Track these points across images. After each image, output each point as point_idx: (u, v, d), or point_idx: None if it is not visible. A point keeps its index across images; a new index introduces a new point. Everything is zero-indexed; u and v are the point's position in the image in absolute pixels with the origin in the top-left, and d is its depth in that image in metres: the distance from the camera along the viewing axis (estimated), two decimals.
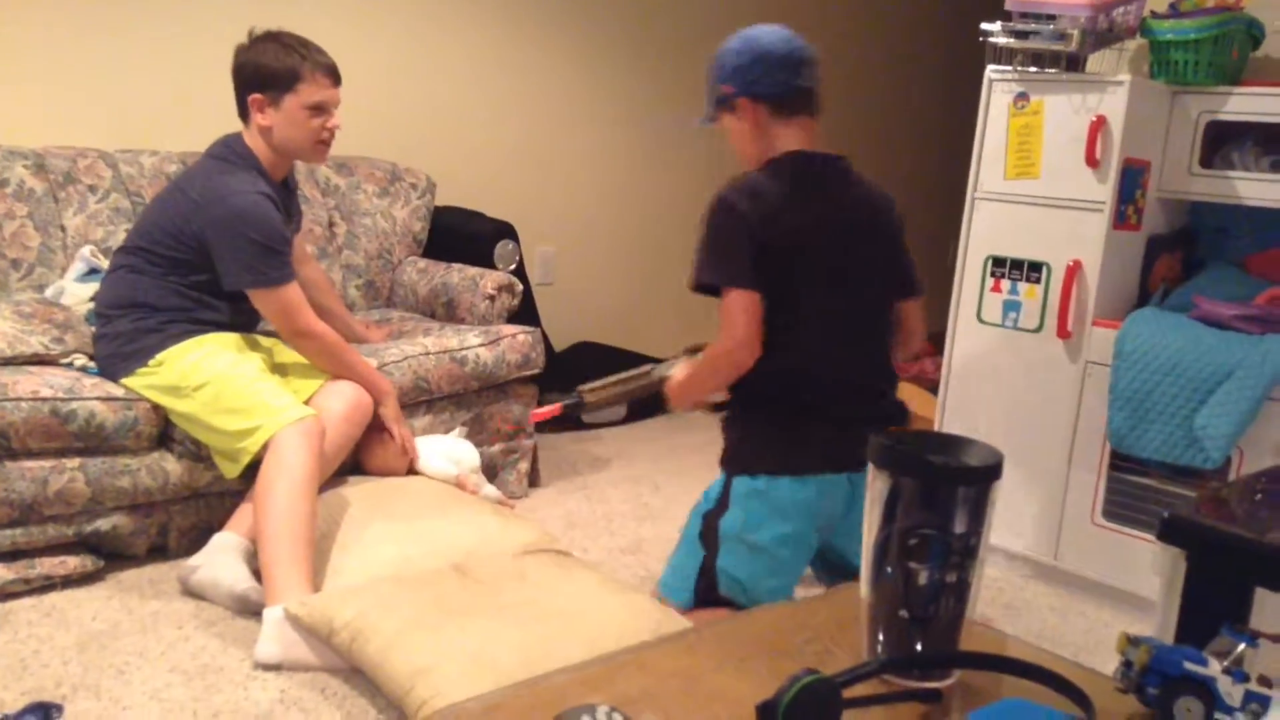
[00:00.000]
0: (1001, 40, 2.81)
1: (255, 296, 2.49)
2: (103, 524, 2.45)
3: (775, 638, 1.18)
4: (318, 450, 2.35)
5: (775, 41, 2.15)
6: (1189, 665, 0.99)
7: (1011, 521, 2.89)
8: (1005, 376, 2.90)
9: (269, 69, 2.48)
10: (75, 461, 2.39)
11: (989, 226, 2.89)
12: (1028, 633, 2.56)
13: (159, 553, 2.58)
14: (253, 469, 2.38)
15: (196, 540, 2.51)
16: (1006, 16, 2.80)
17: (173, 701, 1.98)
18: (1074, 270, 2.74)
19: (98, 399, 2.42)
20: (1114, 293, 2.80)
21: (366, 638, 1.98)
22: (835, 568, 2.25)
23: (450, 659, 1.89)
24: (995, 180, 2.89)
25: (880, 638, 1.10)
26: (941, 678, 1.08)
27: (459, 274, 3.37)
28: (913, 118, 5.77)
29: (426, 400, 2.95)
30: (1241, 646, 1.03)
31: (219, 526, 2.47)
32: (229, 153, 2.53)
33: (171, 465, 2.52)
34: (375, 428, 2.66)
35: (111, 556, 2.52)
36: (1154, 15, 2.82)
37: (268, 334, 2.67)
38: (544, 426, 3.49)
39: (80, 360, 2.55)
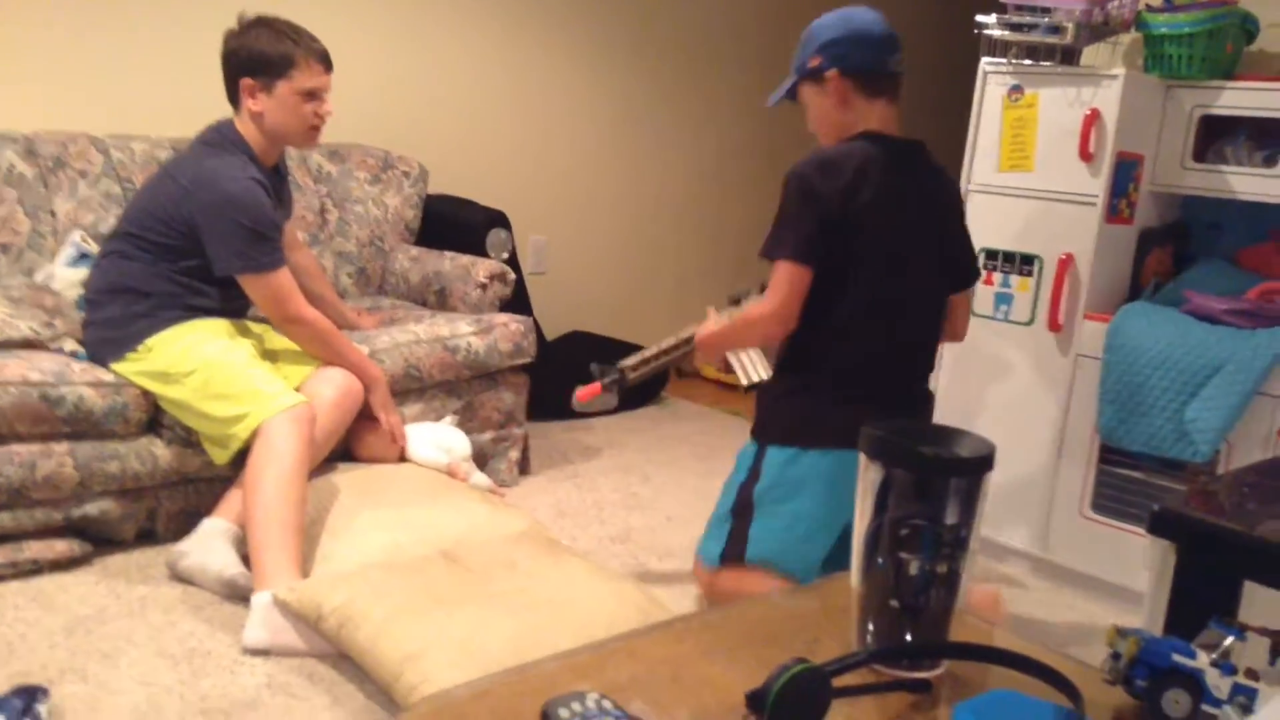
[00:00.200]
0: (996, 33, 2.81)
1: (246, 282, 2.48)
2: (91, 509, 2.44)
3: (765, 627, 1.18)
4: (308, 437, 2.35)
5: (871, 22, 2.19)
6: (1177, 657, 0.99)
7: (1001, 513, 2.90)
8: (996, 369, 2.90)
9: (262, 54, 2.47)
10: (64, 446, 2.38)
11: (982, 219, 2.88)
12: (1016, 624, 2.56)
13: (147, 538, 2.58)
14: (242, 455, 2.38)
15: (185, 525, 2.50)
16: (1001, 9, 2.80)
17: (160, 686, 1.98)
18: (1066, 263, 2.75)
19: (87, 384, 2.41)
20: (1106, 286, 2.81)
21: (355, 624, 1.98)
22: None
23: (439, 646, 1.89)
24: (988, 173, 2.89)
25: (870, 627, 1.10)
26: (930, 668, 1.09)
27: (451, 262, 3.37)
28: (906, 110, 5.75)
29: (418, 388, 2.95)
30: (1230, 639, 1.03)
31: (208, 512, 2.46)
32: (220, 138, 2.52)
33: (160, 450, 2.51)
34: (366, 415, 2.65)
35: (99, 541, 2.51)
36: (1149, 9, 2.82)
37: (258, 320, 2.66)
38: (536, 413, 3.49)
39: (70, 345, 2.54)
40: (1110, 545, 2.73)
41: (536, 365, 3.27)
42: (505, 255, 3.53)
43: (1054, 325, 2.78)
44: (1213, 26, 2.71)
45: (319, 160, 3.47)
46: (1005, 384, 2.89)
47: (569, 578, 2.20)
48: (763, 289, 2.35)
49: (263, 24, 2.50)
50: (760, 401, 2.30)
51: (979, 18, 2.83)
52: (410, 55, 3.84)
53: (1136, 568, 2.61)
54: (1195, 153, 2.79)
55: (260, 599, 2.13)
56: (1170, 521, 1.54)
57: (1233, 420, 2.47)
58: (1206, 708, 0.99)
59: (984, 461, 1.07)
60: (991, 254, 2.87)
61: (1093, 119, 2.68)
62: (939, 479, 1.06)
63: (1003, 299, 2.87)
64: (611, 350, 2.81)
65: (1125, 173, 2.74)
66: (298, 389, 2.49)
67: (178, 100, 3.23)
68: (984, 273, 2.87)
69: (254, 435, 2.34)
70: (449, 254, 3.41)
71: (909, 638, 1.09)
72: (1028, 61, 2.80)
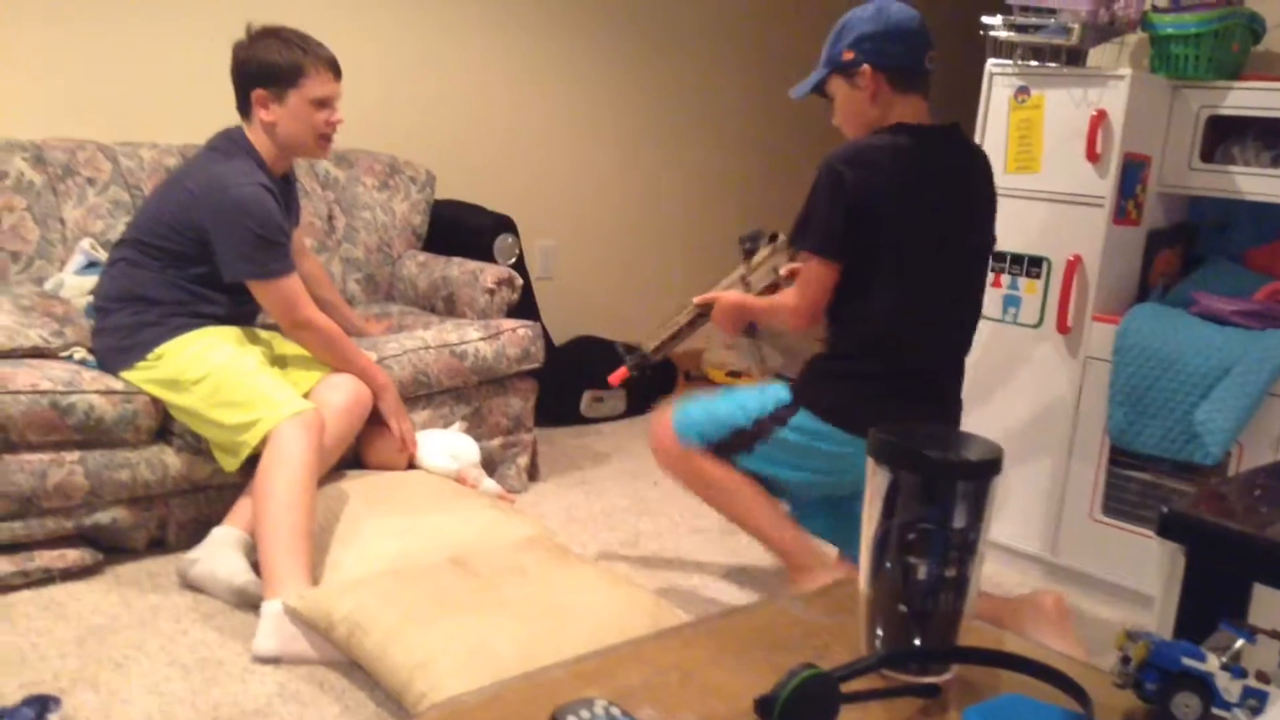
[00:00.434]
0: (1002, 34, 2.81)
1: (255, 288, 2.49)
2: (102, 517, 2.45)
3: (773, 631, 1.18)
4: (317, 444, 2.35)
5: (907, 18, 2.20)
6: (1187, 661, 0.99)
7: (1011, 517, 2.89)
8: (1005, 372, 2.90)
9: (273, 64, 2.48)
10: (74, 455, 2.39)
11: None
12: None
13: (158, 546, 2.58)
14: (252, 462, 2.38)
15: (195, 534, 2.51)
16: (1007, 10, 2.80)
17: (171, 695, 1.98)
18: (1074, 265, 2.74)
19: (97, 392, 2.41)
20: (1114, 288, 2.80)
21: (365, 631, 1.98)
22: (845, 518, 2.31)
23: (448, 653, 1.89)
24: (995, 174, 2.87)
25: (879, 632, 1.10)
26: (940, 673, 1.08)
27: (459, 268, 3.37)
28: None
29: (426, 394, 2.95)
30: (1240, 642, 1.03)
31: (218, 520, 2.47)
32: (229, 145, 2.53)
33: (171, 458, 2.52)
34: (375, 421, 2.66)
35: (110, 550, 2.52)
36: (1155, 9, 2.82)
37: (267, 327, 2.67)
38: (545, 419, 3.49)
39: (79, 353, 2.55)
40: (1121, 548, 2.72)
41: (545, 370, 3.27)
42: (512, 260, 3.54)
43: (1062, 327, 2.77)
44: (1219, 27, 2.70)
45: (326, 166, 3.48)
46: (1014, 386, 2.89)
47: (578, 584, 2.20)
48: (773, 237, 2.37)
49: (271, 34, 2.51)
50: (811, 365, 2.29)
51: (985, 19, 2.82)
52: (417, 61, 3.85)
53: (1146, 570, 2.60)
54: (1203, 153, 2.78)
55: (270, 607, 2.14)
56: (1180, 524, 1.53)
57: (1243, 421, 2.46)
58: (1217, 711, 0.99)
59: (992, 465, 1.06)
60: (999, 256, 2.86)
61: (1099, 120, 2.68)
62: (947, 482, 1.06)
63: (1011, 301, 2.87)
64: (619, 355, 2.81)
65: (1132, 174, 2.74)
66: (306, 395, 2.49)
67: (186, 107, 3.24)
68: (992, 275, 2.87)
69: (263, 442, 2.34)
70: (456, 260, 3.42)
71: (918, 642, 1.09)
72: (1034, 63, 2.80)
